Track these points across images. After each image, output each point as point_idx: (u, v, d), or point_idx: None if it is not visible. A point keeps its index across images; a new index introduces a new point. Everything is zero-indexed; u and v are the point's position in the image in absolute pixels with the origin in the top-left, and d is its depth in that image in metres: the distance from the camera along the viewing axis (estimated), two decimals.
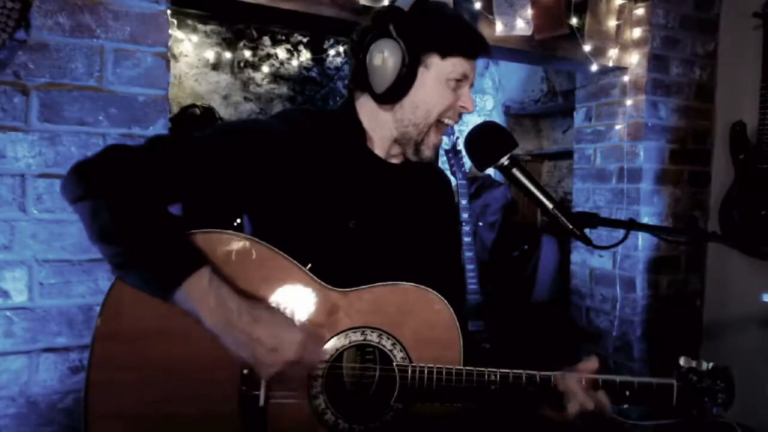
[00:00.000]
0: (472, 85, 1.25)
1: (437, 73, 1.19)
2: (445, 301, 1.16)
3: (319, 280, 1.12)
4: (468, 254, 2.78)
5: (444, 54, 1.19)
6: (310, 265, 1.12)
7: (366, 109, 1.27)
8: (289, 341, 1.01)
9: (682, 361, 1.21)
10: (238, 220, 2.32)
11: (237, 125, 1.26)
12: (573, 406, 1.13)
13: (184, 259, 1.00)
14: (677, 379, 1.19)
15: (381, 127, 1.26)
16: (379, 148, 1.28)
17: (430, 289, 1.16)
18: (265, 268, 1.10)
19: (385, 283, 1.15)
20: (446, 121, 1.24)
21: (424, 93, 1.20)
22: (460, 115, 1.26)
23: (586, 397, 1.14)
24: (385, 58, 1.17)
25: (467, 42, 1.21)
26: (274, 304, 1.09)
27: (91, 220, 0.99)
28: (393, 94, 1.20)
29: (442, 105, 1.21)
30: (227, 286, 1.01)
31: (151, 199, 1.02)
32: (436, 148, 1.27)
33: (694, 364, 1.20)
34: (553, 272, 3.38)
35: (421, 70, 1.19)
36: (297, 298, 1.11)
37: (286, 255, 1.11)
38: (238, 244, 1.09)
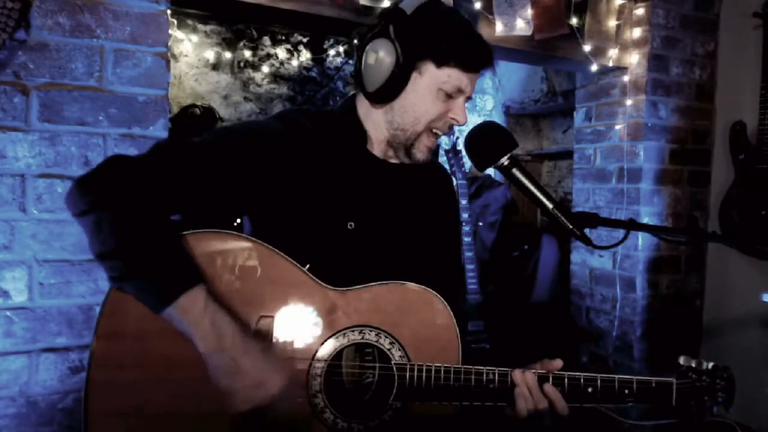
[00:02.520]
0: (469, 98, 1.22)
1: (430, 80, 1.17)
2: (444, 300, 1.16)
3: (318, 280, 1.12)
4: (468, 254, 2.78)
5: (439, 63, 1.15)
6: (308, 266, 1.12)
7: (363, 108, 1.27)
8: (270, 384, 1.01)
9: (681, 360, 1.21)
10: (238, 220, 2.31)
11: (236, 128, 1.26)
12: (522, 403, 1.11)
13: (178, 276, 1.00)
14: (677, 378, 1.18)
15: (375, 127, 1.26)
16: (378, 149, 1.28)
17: (429, 289, 1.16)
18: (264, 268, 1.10)
19: (383, 282, 1.15)
20: (435, 131, 1.22)
21: (414, 98, 1.18)
22: (450, 127, 1.23)
23: (539, 394, 1.12)
24: (379, 57, 1.16)
25: (466, 54, 1.16)
26: (273, 304, 1.09)
27: (93, 234, 1.00)
28: (383, 95, 1.19)
29: (430, 114, 1.19)
30: (223, 311, 1.02)
31: (153, 211, 1.03)
32: (430, 151, 1.25)
33: (693, 363, 1.20)
34: (553, 272, 3.38)
35: (414, 75, 1.17)
36: (296, 297, 1.11)
37: (284, 255, 1.11)
38: (237, 243, 1.10)
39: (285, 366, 1.06)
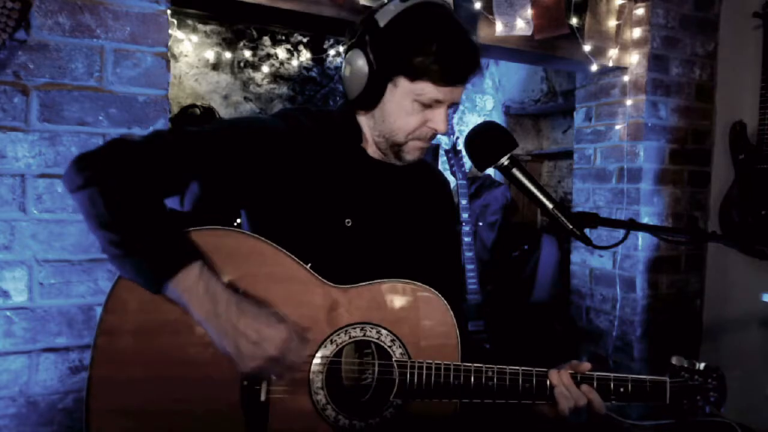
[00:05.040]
0: (454, 105, 1.20)
1: (404, 93, 1.15)
2: (443, 299, 1.17)
3: (320, 277, 1.13)
4: (468, 254, 2.78)
5: (412, 78, 1.14)
6: (310, 264, 1.13)
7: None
8: (271, 336, 1.02)
9: (674, 360, 1.24)
10: (239, 220, 2.32)
11: (236, 121, 1.26)
12: (564, 402, 1.14)
13: (177, 252, 1.00)
14: (670, 377, 1.21)
15: (366, 129, 1.27)
16: (372, 149, 1.28)
17: (428, 287, 1.17)
18: (267, 265, 1.10)
19: (384, 280, 1.16)
20: (416, 142, 1.21)
21: (391, 109, 1.18)
22: (433, 135, 1.21)
23: (578, 392, 1.15)
24: (354, 69, 1.17)
25: (439, 69, 1.12)
26: (276, 300, 1.09)
27: (89, 208, 1.00)
28: (362, 104, 1.20)
29: (409, 125, 1.18)
30: (217, 279, 1.02)
31: (148, 190, 1.03)
32: (421, 151, 1.24)
33: (686, 363, 1.23)
34: (553, 272, 3.38)
35: (390, 87, 1.16)
36: (298, 294, 1.11)
37: (287, 252, 1.11)
38: (241, 240, 1.10)
39: (283, 326, 1.05)
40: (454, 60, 1.13)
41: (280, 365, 1.04)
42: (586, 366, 1.19)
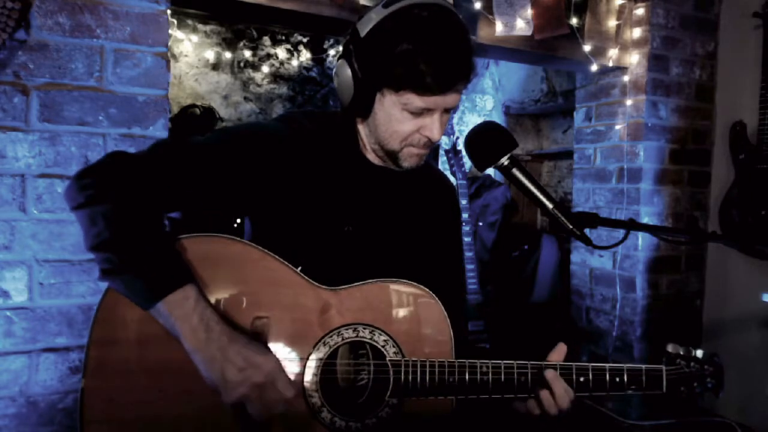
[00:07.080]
0: (450, 110, 1.18)
1: (392, 104, 1.14)
2: (435, 296, 1.16)
3: (311, 280, 1.12)
4: (468, 254, 2.78)
5: (396, 89, 1.11)
6: (300, 267, 1.12)
7: None
8: (259, 363, 1.01)
9: (670, 348, 1.24)
10: (238, 221, 2.32)
11: (238, 129, 1.25)
12: (548, 400, 1.13)
13: (170, 273, 1.00)
14: (666, 365, 1.21)
15: (363, 136, 1.26)
16: (371, 155, 1.28)
17: (420, 285, 1.16)
18: (258, 269, 1.10)
19: (375, 280, 1.15)
20: (411, 149, 1.19)
21: (382, 117, 1.17)
22: (429, 142, 1.18)
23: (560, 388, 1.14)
24: (340, 82, 1.17)
25: (423, 80, 1.08)
26: (268, 304, 1.09)
27: (87, 228, 1.01)
28: (355, 112, 1.20)
29: (401, 132, 1.16)
30: (212, 309, 1.02)
31: (149, 209, 1.03)
32: (418, 158, 1.22)
33: (682, 350, 1.23)
34: (553, 272, 3.39)
35: (378, 97, 1.15)
36: (290, 298, 1.11)
37: (277, 256, 1.11)
38: (230, 246, 1.09)
39: (272, 357, 1.05)
40: (437, 69, 1.08)
41: (264, 396, 1.01)
42: (562, 350, 1.19)
